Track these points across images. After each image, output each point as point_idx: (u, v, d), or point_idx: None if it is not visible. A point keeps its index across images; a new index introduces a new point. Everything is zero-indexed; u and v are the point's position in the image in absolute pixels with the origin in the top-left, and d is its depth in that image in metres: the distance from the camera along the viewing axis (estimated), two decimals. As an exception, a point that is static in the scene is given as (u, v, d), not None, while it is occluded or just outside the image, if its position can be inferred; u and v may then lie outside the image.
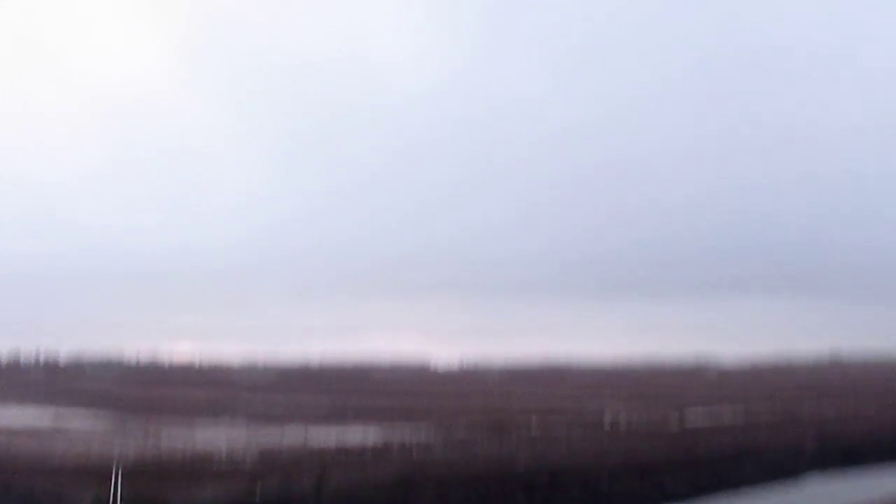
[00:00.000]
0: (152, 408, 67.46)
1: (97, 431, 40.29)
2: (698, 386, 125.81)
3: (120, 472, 17.55)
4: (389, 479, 21.31)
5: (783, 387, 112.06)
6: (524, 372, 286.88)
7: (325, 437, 37.82)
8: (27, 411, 64.05)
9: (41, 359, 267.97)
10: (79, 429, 42.83)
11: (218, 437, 37.34)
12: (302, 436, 38.51)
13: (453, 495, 21.89)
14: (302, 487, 19.88)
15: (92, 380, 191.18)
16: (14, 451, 30.23)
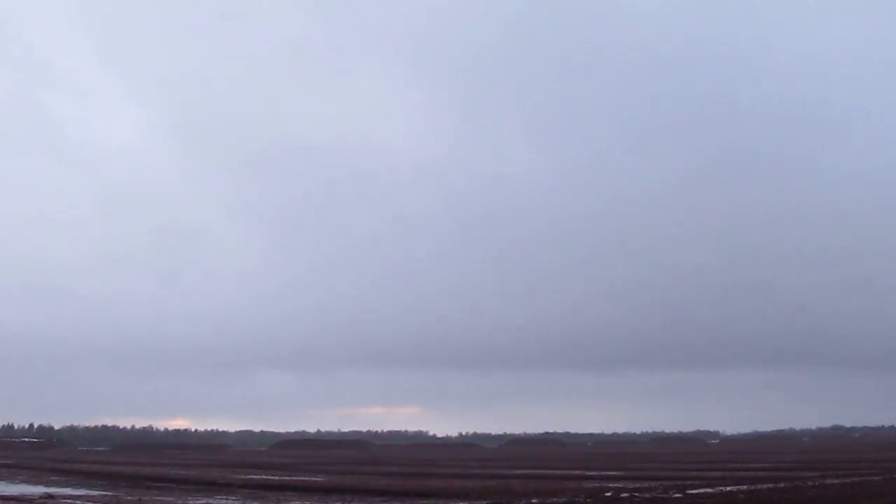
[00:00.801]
0: (146, 478, 66.60)
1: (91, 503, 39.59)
2: (699, 457, 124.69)
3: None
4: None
5: (785, 458, 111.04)
6: (523, 443, 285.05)
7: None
8: (16, 482, 63.17)
9: (34, 430, 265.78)
10: (70, 500, 42.15)
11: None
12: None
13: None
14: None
15: (86, 451, 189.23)
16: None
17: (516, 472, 79.81)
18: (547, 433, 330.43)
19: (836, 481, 52.31)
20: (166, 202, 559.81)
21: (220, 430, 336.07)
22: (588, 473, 74.67)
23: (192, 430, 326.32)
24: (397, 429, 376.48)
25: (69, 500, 42.38)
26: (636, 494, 43.27)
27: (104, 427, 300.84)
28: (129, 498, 45.06)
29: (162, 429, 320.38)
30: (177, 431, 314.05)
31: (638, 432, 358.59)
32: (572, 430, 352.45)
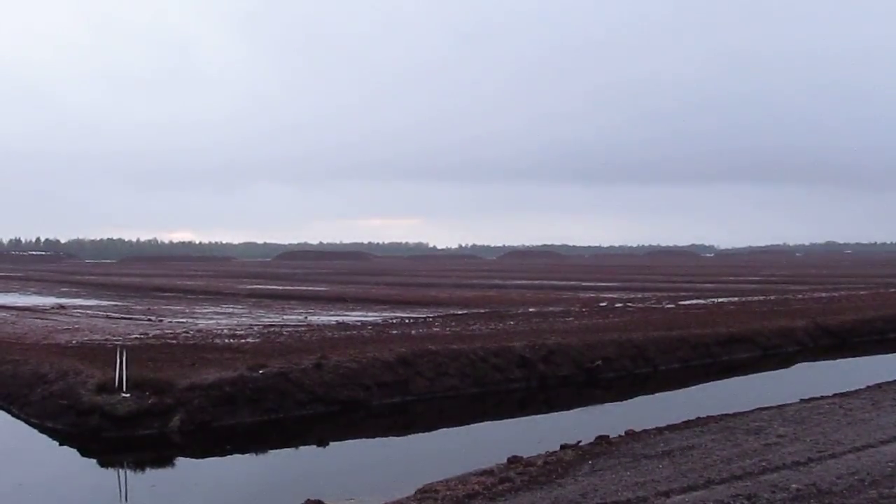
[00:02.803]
0: (154, 289, 68.25)
1: (100, 313, 40.84)
2: (693, 270, 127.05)
3: (125, 354, 17.87)
4: (389, 357, 21.73)
5: (777, 272, 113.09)
6: (522, 255, 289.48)
7: (325, 317, 38.49)
8: (28, 294, 64.76)
9: (41, 243, 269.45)
10: (81, 310, 43.46)
11: (220, 318, 37.99)
12: (302, 316, 39.19)
13: (451, 371, 22.33)
14: (303, 365, 20.28)
15: (94, 263, 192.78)
16: (18, 331, 30.74)
17: (514, 282, 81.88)
18: (545, 245, 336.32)
19: (824, 295, 53.83)
20: (157, 9, 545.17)
21: (224, 242, 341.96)
22: (584, 284, 76.66)
23: (197, 242, 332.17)
24: (397, 241, 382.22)
25: (80, 310, 43.66)
26: (629, 305, 44.67)
27: (110, 240, 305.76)
28: (139, 307, 46.53)
29: (167, 241, 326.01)
30: (181, 244, 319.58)
31: (634, 245, 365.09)
32: (570, 243, 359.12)
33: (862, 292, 56.52)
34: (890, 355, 31.81)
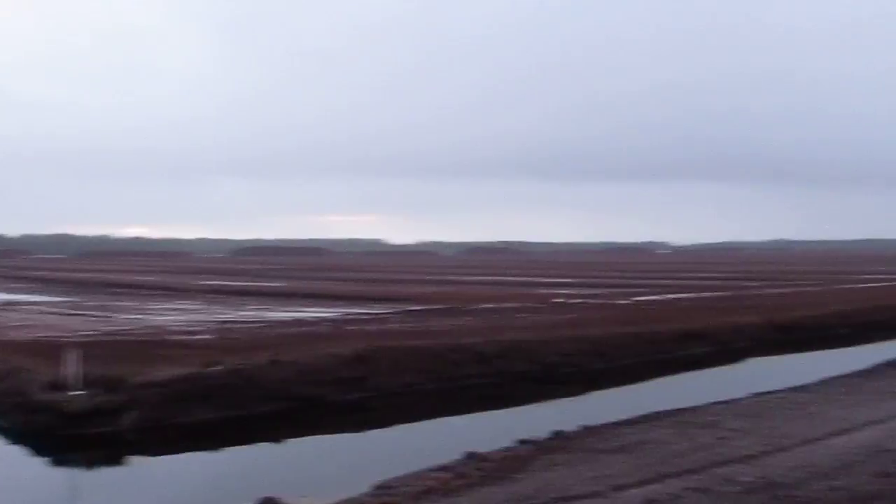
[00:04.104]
0: (107, 285, 67.23)
1: (52, 310, 40.17)
2: (649, 266, 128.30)
3: (77, 351, 17.59)
4: (346, 354, 21.65)
5: (730, 268, 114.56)
6: (480, 251, 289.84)
7: (281, 313, 38.25)
8: (-22, 288, 63.36)
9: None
10: (33, 307, 42.70)
11: (174, 314, 37.57)
12: (257, 312, 38.91)
13: (408, 367, 22.32)
14: (258, 361, 20.12)
15: (45, 259, 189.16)
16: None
17: (471, 279, 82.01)
18: (503, 242, 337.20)
19: (774, 291, 54.71)
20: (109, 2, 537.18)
21: (178, 237, 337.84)
22: (541, 280, 77.04)
23: (150, 237, 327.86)
24: (355, 236, 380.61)
25: (32, 307, 42.92)
26: (586, 301, 45.01)
27: (62, 235, 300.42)
28: (91, 303, 45.82)
29: (120, 236, 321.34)
30: (135, 239, 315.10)
31: (591, 242, 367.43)
32: (527, 240, 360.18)
33: (812, 288, 57.56)
34: (839, 350, 32.42)
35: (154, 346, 23.53)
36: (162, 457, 16.63)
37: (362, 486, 11.86)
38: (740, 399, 18.17)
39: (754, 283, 66.55)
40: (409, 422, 20.21)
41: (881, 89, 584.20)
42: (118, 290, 61.62)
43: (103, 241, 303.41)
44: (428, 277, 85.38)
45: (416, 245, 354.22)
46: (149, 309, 40.96)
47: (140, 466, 15.77)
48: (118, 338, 25.76)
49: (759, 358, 30.38)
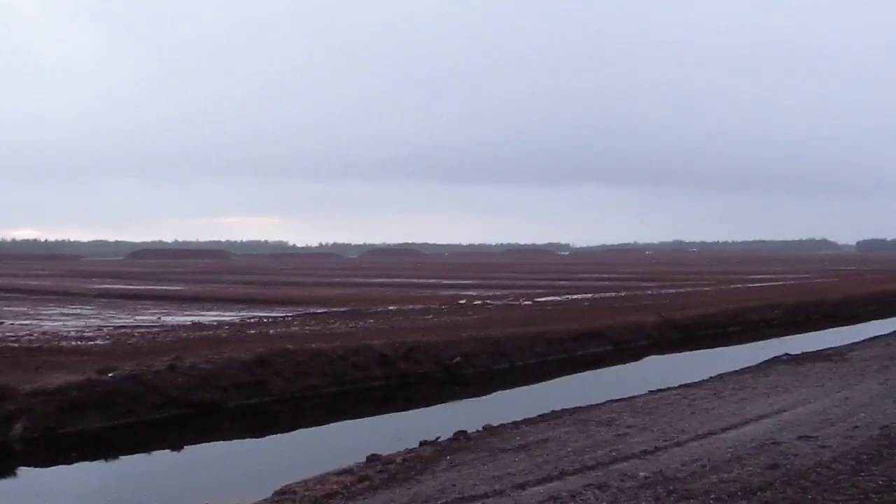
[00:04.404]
0: (-6, 290, 64.48)
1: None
2: (550, 267, 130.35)
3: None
4: (246, 357, 21.33)
5: (628, 269, 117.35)
6: (383, 253, 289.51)
7: (180, 317, 37.41)
8: None
9: None
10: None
11: (67, 319, 36.32)
12: (155, 316, 37.95)
13: (310, 370, 22.14)
14: (156, 367, 19.64)
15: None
16: None
17: (374, 280, 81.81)
18: (405, 244, 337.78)
19: (671, 291, 56.29)
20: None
21: (72, 240, 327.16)
22: (444, 282, 77.37)
23: (42, 240, 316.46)
24: (257, 239, 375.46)
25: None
26: (489, 302, 45.42)
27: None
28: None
29: (8, 239, 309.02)
30: (25, 242, 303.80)
31: (493, 244, 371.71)
32: (430, 241, 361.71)
33: (706, 288, 59.44)
34: (730, 347, 33.58)
35: (46, 352, 22.69)
36: (54, 467, 16.06)
37: (264, 492, 11.71)
38: (637, 396, 18.62)
39: (651, 284, 68.31)
40: (312, 426, 20.06)
41: (764, 107, 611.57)
42: (7, 294, 59.20)
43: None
44: (331, 280, 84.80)
45: (320, 247, 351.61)
46: (40, 314, 39.49)
47: (30, 478, 15.19)
48: (7, 344, 24.75)
49: (656, 356, 31.23)
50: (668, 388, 19.66)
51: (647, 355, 31.21)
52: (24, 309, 43.27)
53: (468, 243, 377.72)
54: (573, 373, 27.33)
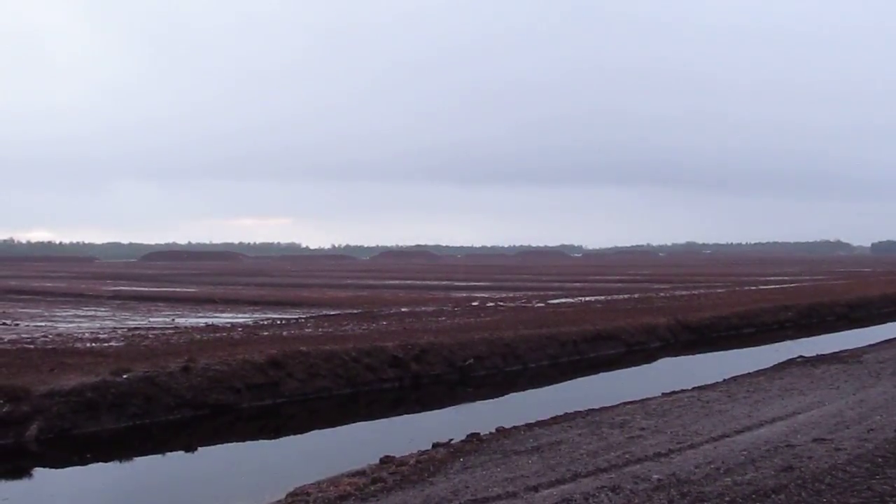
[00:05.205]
0: (8, 291, 64.92)
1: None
2: (562, 269, 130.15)
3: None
4: (259, 359, 21.38)
5: (641, 271, 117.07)
6: (395, 255, 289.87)
7: (193, 318, 37.54)
8: None
9: None
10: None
11: (81, 321, 36.50)
12: (169, 318, 38.09)
13: (323, 372, 22.18)
14: (170, 368, 19.72)
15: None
16: None
17: (387, 282, 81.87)
18: (418, 245, 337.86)
19: (685, 293, 56.12)
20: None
21: (86, 242, 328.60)
22: (457, 284, 77.40)
23: (57, 242, 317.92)
24: (269, 241, 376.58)
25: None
26: (501, 304, 45.39)
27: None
28: (-7, 309, 44.17)
29: (24, 241, 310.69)
30: (40, 244, 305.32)
31: (506, 245, 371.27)
32: (443, 243, 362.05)
33: (719, 290, 59.25)
34: (744, 349, 33.44)
35: (61, 354, 22.81)
36: (69, 468, 16.14)
37: (277, 493, 11.74)
38: (650, 398, 18.56)
39: (664, 285, 68.12)
40: (325, 427, 20.08)
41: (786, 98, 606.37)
42: (22, 296, 59.53)
43: (6, 245, 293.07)
44: (343, 281, 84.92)
45: (332, 249, 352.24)
46: (55, 316, 39.70)
47: (45, 479, 15.27)
48: (22, 346, 24.90)
49: (669, 358, 31.13)
50: (682, 391, 19.59)
51: (660, 357, 31.13)
52: (39, 311, 43.52)
53: (481, 245, 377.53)
54: (586, 375, 27.27)
